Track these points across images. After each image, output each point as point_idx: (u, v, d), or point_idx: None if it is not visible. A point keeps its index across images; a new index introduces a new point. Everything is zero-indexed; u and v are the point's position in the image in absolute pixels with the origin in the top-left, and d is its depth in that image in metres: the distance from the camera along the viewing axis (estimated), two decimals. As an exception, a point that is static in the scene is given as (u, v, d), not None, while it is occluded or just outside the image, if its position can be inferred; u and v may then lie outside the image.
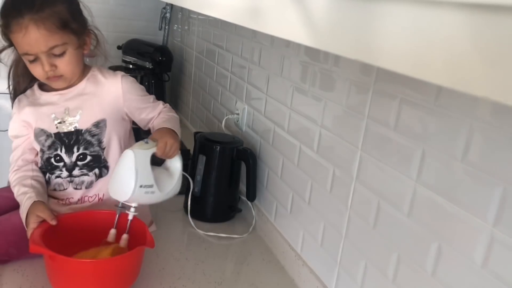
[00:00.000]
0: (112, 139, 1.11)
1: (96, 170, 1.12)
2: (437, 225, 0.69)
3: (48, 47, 0.99)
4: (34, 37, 0.97)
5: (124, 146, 1.14)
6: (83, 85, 1.10)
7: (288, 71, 1.15)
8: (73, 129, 1.08)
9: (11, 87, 1.15)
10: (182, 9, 2.21)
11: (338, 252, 0.94)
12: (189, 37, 2.13)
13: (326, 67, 0.98)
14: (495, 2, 0.22)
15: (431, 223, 0.70)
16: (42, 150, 1.10)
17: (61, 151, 1.09)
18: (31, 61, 1.01)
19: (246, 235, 1.28)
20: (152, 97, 1.18)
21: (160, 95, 2.10)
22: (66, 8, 1.00)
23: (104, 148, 1.11)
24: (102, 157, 1.11)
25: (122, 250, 0.98)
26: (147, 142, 1.02)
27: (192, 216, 1.32)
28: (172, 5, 2.21)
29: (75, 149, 1.09)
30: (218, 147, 1.30)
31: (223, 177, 1.31)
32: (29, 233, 0.95)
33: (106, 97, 1.10)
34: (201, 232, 1.26)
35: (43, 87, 1.12)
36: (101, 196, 1.13)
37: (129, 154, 0.99)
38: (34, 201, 1.00)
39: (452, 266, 0.67)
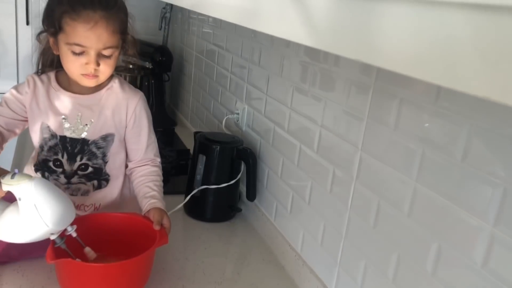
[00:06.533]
0: (116, 154, 1.11)
1: (95, 182, 1.11)
2: (437, 225, 0.69)
3: (105, 46, 0.98)
4: (100, 33, 0.97)
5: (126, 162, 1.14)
6: (100, 95, 1.08)
7: (288, 71, 1.15)
8: (80, 138, 1.06)
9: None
10: (182, 9, 2.20)
11: (338, 252, 0.94)
12: (189, 37, 2.13)
13: (326, 67, 0.98)
14: (495, 2, 0.22)
15: (431, 223, 0.70)
16: (41, 147, 1.08)
17: (62, 157, 1.07)
18: (77, 53, 0.98)
19: (246, 235, 1.28)
20: (153, 138, 1.14)
21: (160, 95, 2.10)
22: (125, 17, 1.05)
23: (107, 162, 1.10)
24: (103, 170, 1.11)
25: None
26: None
27: (192, 216, 1.33)
28: (172, 5, 2.21)
29: (78, 158, 1.07)
30: (218, 147, 1.30)
31: (223, 177, 1.31)
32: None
33: (119, 113, 1.08)
34: (201, 232, 1.26)
35: (59, 82, 1.08)
36: (97, 205, 1.13)
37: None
38: None
39: (452, 266, 0.67)
